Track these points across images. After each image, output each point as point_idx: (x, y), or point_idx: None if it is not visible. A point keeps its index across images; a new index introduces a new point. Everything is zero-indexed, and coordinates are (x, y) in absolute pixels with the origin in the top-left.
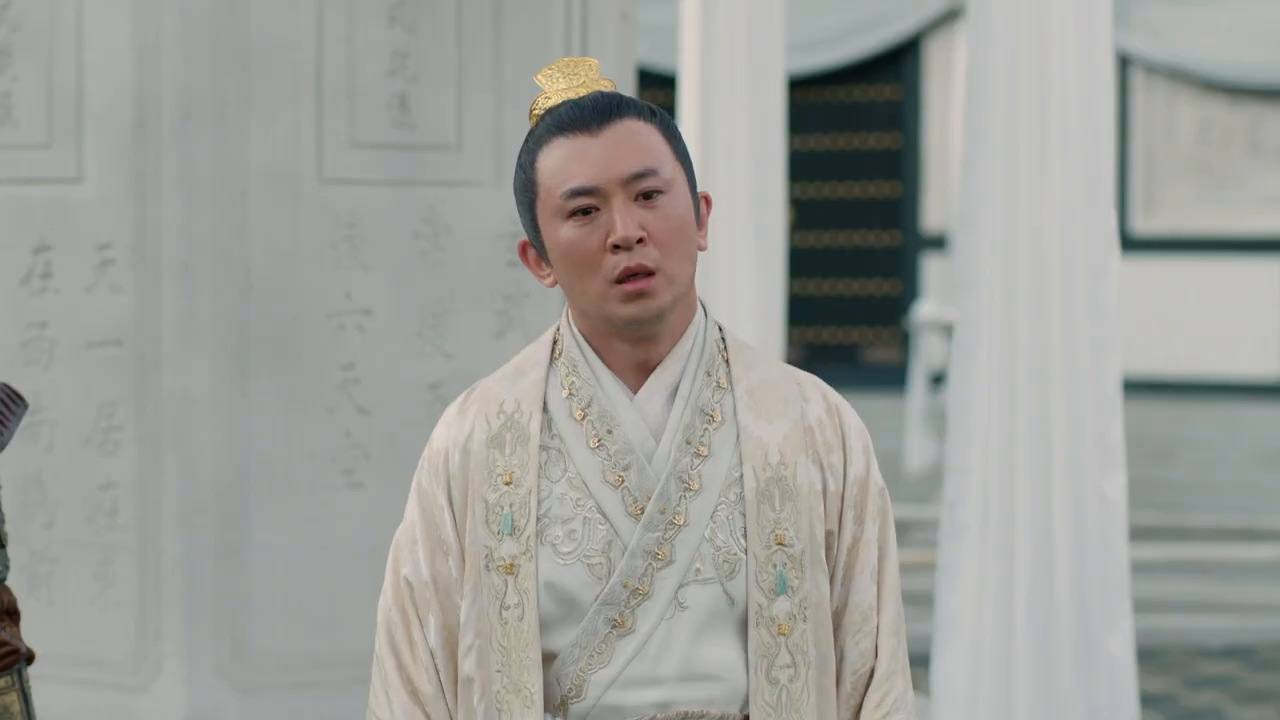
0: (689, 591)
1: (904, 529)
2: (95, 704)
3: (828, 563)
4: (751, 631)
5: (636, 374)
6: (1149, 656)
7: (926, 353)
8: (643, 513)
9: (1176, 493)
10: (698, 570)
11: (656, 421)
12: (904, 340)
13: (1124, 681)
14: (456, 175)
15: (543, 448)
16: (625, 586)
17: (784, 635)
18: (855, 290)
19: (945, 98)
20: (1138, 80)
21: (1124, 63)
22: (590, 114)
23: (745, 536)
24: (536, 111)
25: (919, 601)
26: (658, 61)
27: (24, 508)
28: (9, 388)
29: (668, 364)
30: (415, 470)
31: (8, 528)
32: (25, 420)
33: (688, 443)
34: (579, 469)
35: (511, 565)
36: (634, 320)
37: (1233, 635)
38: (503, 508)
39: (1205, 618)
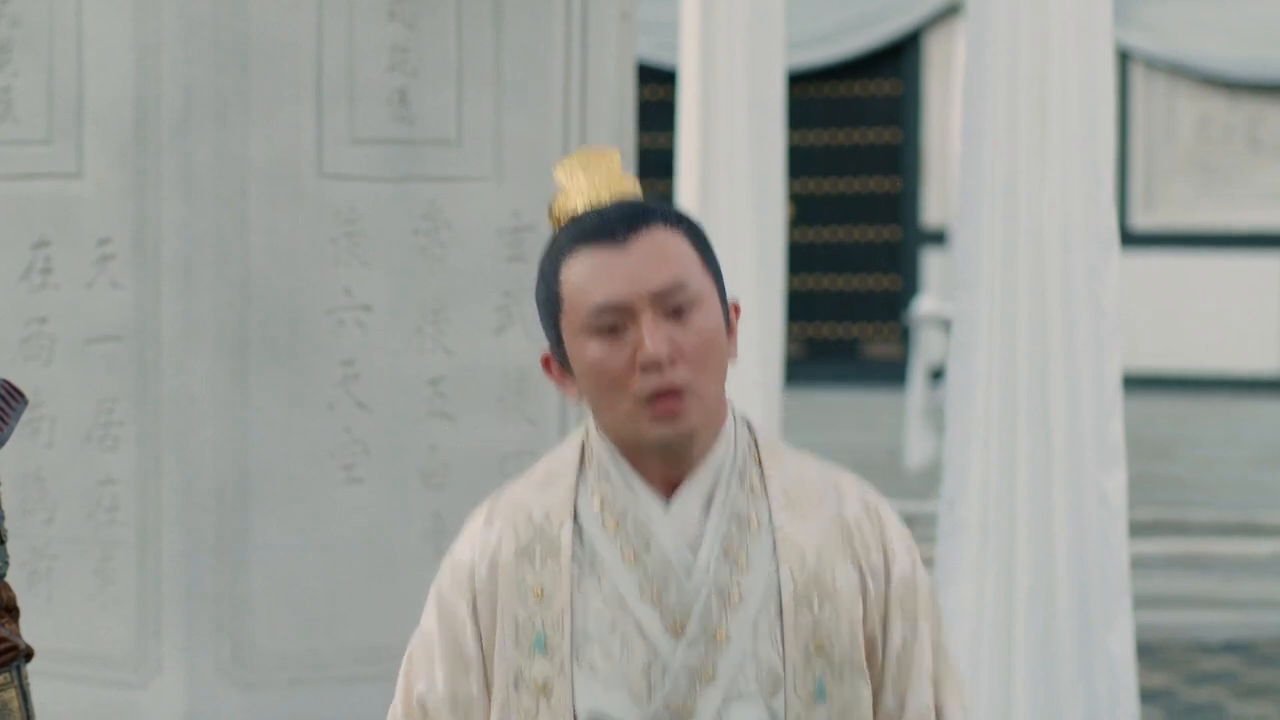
0: (732, 709)
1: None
2: (94, 701)
3: (871, 669)
4: None
5: (667, 484)
6: (1149, 652)
7: (926, 348)
8: (682, 630)
9: (1176, 489)
10: (740, 688)
11: (692, 533)
12: (904, 335)
13: (1124, 678)
14: (457, 171)
15: (575, 560)
16: (668, 709)
17: None
18: (855, 285)
19: (946, 93)
20: (1137, 76)
21: (1123, 59)
22: (616, 224)
23: (783, 644)
24: (556, 214)
25: None
26: (658, 58)
27: (23, 504)
28: (9, 384)
29: (700, 474)
30: (434, 581)
31: (7, 524)
32: (25, 416)
33: (726, 553)
34: (614, 584)
35: (545, 686)
36: (664, 442)
37: (1233, 631)
38: (534, 624)
39: (1205, 613)
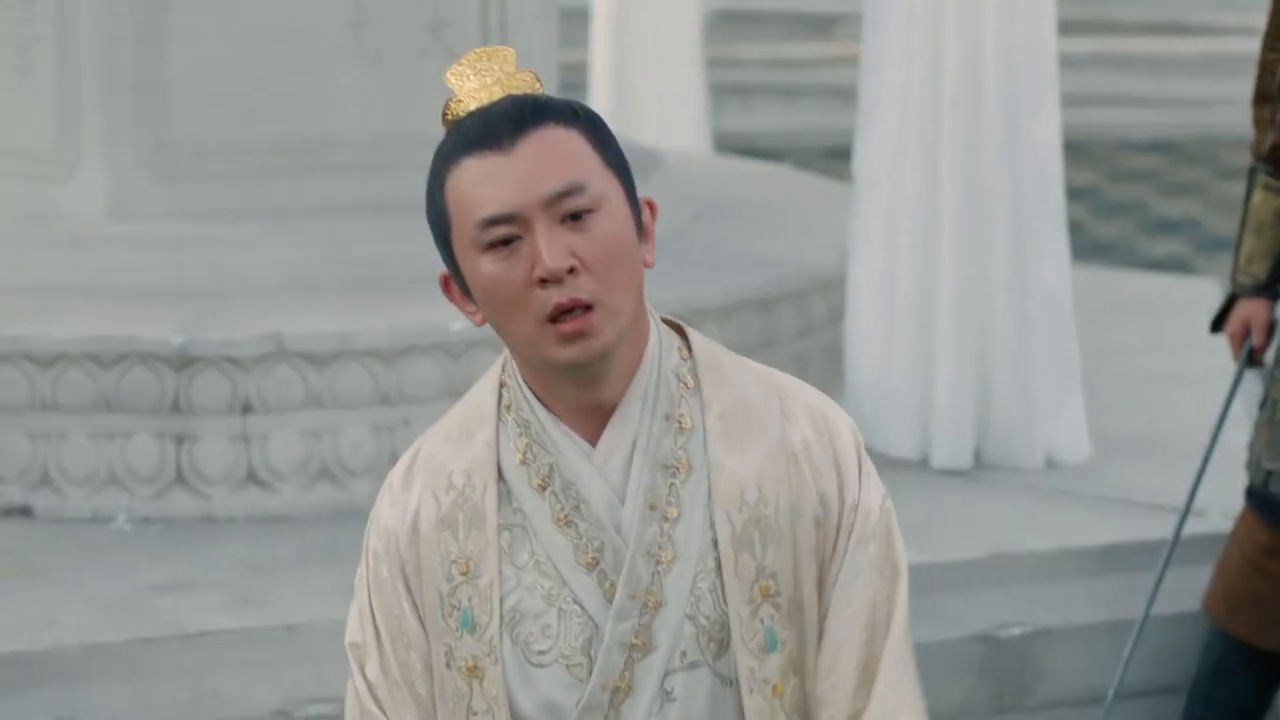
0: (675, 680)
1: (829, 22)
2: (17, 195)
3: (820, 599)
4: (747, 700)
5: (590, 421)
6: (1074, 150)
7: None
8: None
9: None
10: (683, 654)
11: (619, 483)
12: None
13: (1050, 166)
14: None
15: (504, 527)
16: (605, 688)
17: (779, 697)
18: None
19: None
20: None
21: None
22: (500, 126)
23: (724, 596)
24: (450, 119)
25: (847, 96)
26: None
27: None
28: None
29: (625, 410)
30: (362, 540)
31: None
32: None
33: (651, 508)
34: (547, 551)
35: (475, 667)
36: (574, 364)
37: (1158, 129)
38: (460, 602)
39: (1131, 112)
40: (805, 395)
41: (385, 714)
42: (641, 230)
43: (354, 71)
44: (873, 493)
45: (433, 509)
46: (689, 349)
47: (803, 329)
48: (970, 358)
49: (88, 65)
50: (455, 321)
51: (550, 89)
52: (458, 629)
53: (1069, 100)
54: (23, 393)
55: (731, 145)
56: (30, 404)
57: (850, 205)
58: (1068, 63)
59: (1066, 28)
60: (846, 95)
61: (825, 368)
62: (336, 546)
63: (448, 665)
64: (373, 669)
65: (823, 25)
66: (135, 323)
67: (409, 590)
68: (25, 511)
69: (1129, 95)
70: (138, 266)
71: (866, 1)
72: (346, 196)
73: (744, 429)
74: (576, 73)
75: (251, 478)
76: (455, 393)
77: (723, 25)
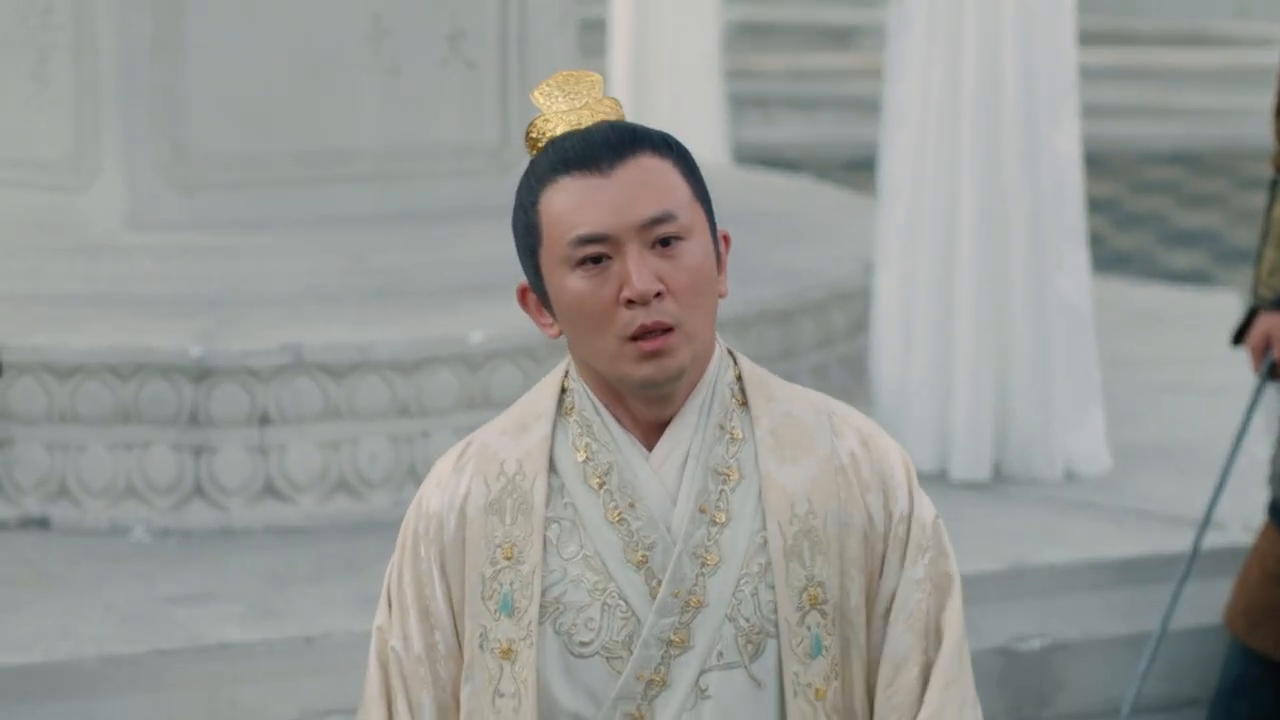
0: (711, 678)
1: (848, 34)
2: (34, 205)
3: (869, 609)
4: (790, 704)
5: (650, 434)
6: (1094, 162)
7: None
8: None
9: None
10: (719, 654)
11: (674, 486)
12: None
13: (1070, 178)
14: None
15: (553, 520)
16: (639, 679)
17: (821, 700)
18: None
19: None
20: None
21: None
22: (601, 150)
23: (776, 609)
24: (535, 136)
25: (866, 107)
26: None
27: None
28: None
29: (683, 419)
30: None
31: None
32: None
33: (701, 511)
34: (597, 547)
35: (509, 650)
36: (650, 382)
37: (1178, 141)
38: (501, 585)
39: (1151, 123)
40: (854, 417)
41: (405, 688)
42: (719, 260)
43: (372, 81)
44: (925, 508)
45: (482, 493)
46: (739, 372)
47: (822, 340)
48: (989, 369)
49: (105, 75)
50: (474, 333)
51: None
52: (496, 611)
53: (1089, 111)
54: (41, 404)
55: (751, 156)
56: (48, 415)
57: (874, 216)
58: (1087, 74)
59: (1086, 39)
60: (866, 107)
61: (845, 379)
62: (354, 558)
63: (480, 646)
64: (397, 642)
65: (842, 37)
66: (153, 334)
67: (444, 574)
68: (43, 523)
69: (1149, 106)
70: (155, 276)
71: (888, 13)
72: (365, 207)
73: (794, 443)
74: None
75: (269, 489)
76: (474, 404)
77: (742, 36)
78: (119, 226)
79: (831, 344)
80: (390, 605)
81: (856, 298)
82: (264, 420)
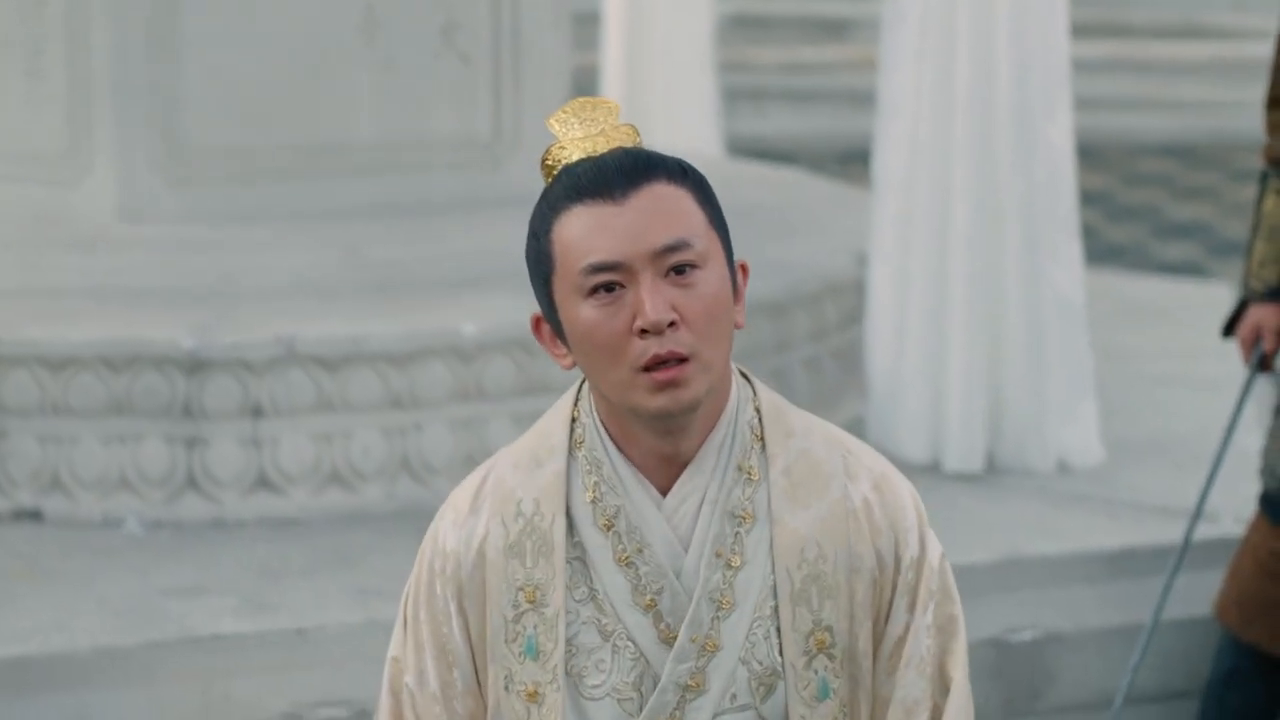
0: None
1: (842, 26)
2: (28, 198)
3: (877, 652)
4: None
5: (663, 469)
6: (1087, 154)
7: None
8: (674, 641)
9: None
10: (733, 697)
11: (686, 531)
12: None
13: (1062, 170)
14: None
15: (566, 560)
16: None
17: None
18: None
19: None
20: None
21: None
22: (614, 177)
23: (782, 652)
24: (550, 163)
25: (860, 100)
26: None
27: None
28: None
29: (700, 462)
30: (417, 554)
31: None
32: None
33: (717, 555)
34: (605, 588)
35: (535, 693)
36: (663, 413)
37: (1171, 133)
38: (524, 629)
39: (1144, 116)
40: (867, 457)
41: None
42: (735, 290)
43: (366, 75)
44: (934, 552)
45: (500, 536)
46: (759, 409)
47: (815, 333)
48: (982, 361)
49: (99, 69)
50: (467, 325)
51: (562, 93)
52: (520, 655)
53: (1081, 104)
54: (34, 396)
55: (744, 149)
56: (41, 407)
57: (867, 208)
58: (1080, 67)
59: (1079, 31)
60: (859, 99)
61: (838, 371)
62: (347, 550)
63: (506, 689)
64: (411, 679)
65: (835, 29)
66: (146, 326)
67: (462, 611)
68: (36, 515)
69: (1142, 99)
70: (149, 270)
71: (882, 6)
72: (359, 200)
73: (806, 484)
74: (588, 76)
75: (262, 481)
76: (467, 396)
77: (735, 29)
78: (112, 220)
79: (825, 336)
80: (405, 636)
81: (850, 290)
82: (257, 412)
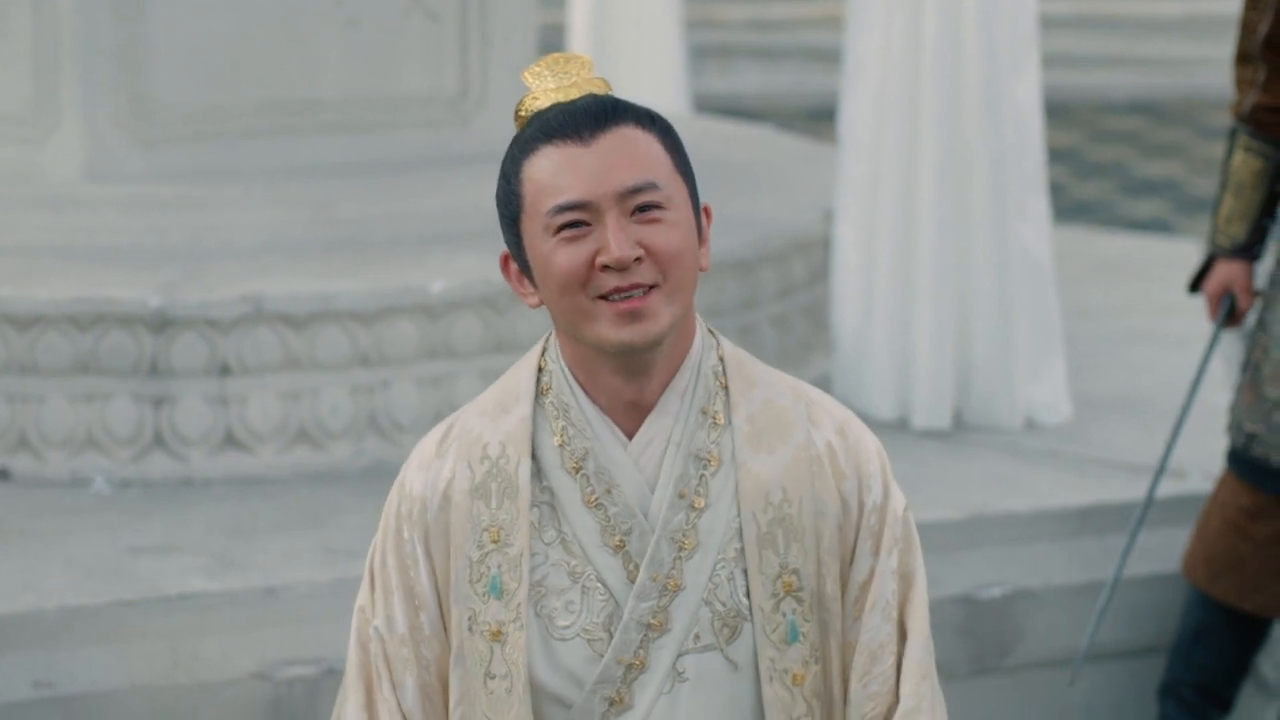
0: (687, 661)
1: None
2: None
3: (843, 597)
4: (766, 689)
5: (629, 415)
6: (1055, 111)
7: None
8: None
9: None
10: (696, 637)
11: (653, 473)
12: None
13: (1030, 127)
14: None
15: (534, 504)
16: (620, 663)
17: (799, 685)
18: None
19: None
20: None
21: None
22: (582, 120)
23: (749, 594)
24: (523, 114)
25: (827, 57)
26: None
27: None
28: None
29: (664, 405)
30: (383, 507)
31: None
32: None
33: (680, 496)
34: (575, 530)
35: (498, 632)
36: (627, 346)
37: (1139, 90)
38: (488, 568)
39: (1112, 73)
40: (830, 405)
41: (389, 669)
42: (700, 234)
43: (334, 32)
44: (898, 500)
45: (466, 478)
46: (722, 358)
47: (782, 290)
48: (950, 319)
49: (65, 27)
50: (435, 282)
51: (529, 50)
52: (485, 594)
53: (1049, 61)
54: (0, 355)
55: (712, 106)
56: (8, 366)
57: (834, 166)
58: (1048, 23)
59: None
60: (827, 57)
61: (805, 328)
62: (316, 509)
63: (469, 629)
64: (381, 622)
65: None
66: (113, 285)
67: (428, 555)
68: (3, 474)
69: (1110, 56)
70: (116, 228)
71: None
72: (327, 158)
73: (770, 430)
74: (555, 33)
75: (230, 440)
76: (435, 354)
77: None
78: (79, 179)
79: (792, 293)
80: (373, 586)
81: (818, 247)
82: (224, 371)
